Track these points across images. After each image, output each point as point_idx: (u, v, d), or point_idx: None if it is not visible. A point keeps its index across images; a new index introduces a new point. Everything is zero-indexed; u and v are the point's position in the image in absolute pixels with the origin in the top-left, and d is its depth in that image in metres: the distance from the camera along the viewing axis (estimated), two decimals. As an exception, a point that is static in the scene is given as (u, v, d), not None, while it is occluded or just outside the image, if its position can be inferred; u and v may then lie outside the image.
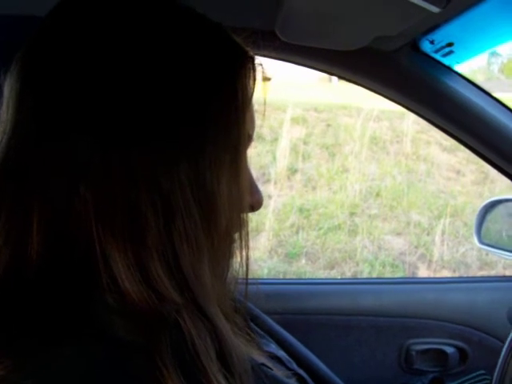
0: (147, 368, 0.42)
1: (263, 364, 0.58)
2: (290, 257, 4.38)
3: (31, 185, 0.47)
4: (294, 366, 0.73)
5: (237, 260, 0.56)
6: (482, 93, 1.18)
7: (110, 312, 0.45)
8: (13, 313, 0.44)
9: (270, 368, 0.59)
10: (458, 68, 1.18)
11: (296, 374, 0.70)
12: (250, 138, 0.57)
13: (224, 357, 0.48)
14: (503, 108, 1.19)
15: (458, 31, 1.01)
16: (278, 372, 0.61)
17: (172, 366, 0.43)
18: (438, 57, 1.13)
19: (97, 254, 0.45)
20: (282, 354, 0.73)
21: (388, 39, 1.02)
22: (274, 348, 0.73)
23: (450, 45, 1.07)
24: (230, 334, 0.51)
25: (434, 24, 0.99)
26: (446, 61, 1.14)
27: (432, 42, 1.07)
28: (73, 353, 0.42)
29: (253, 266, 0.56)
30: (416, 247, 4.58)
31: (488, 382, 1.28)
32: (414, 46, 1.11)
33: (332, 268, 4.33)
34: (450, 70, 1.16)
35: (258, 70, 0.55)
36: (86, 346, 0.43)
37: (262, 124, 0.60)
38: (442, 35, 1.04)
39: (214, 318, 0.49)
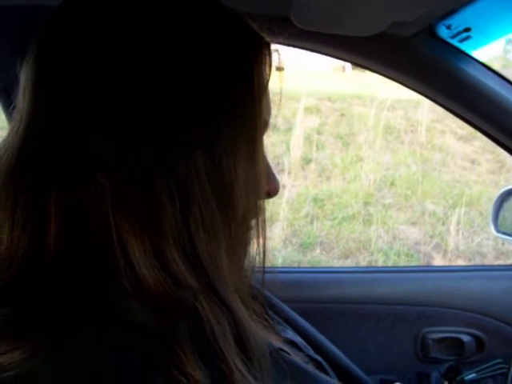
0: (165, 353, 0.42)
1: (281, 349, 0.58)
2: (305, 247, 4.38)
3: (48, 173, 0.47)
4: (311, 352, 0.73)
5: (253, 248, 0.55)
6: (499, 79, 1.16)
7: (127, 297, 0.45)
8: (31, 299, 0.45)
9: (288, 353, 0.59)
10: (475, 54, 1.16)
11: (313, 360, 0.70)
12: (266, 124, 0.56)
13: (242, 342, 0.48)
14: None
15: (475, 16, 0.99)
16: (296, 357, 0.61)
17: (190, 352, 0.43)
18: (454, 42, 1.12)
19: (114, 241, 0.45)
20: (299, 340, 0.73)
21: (404, 25, 1.01)
22: (291, 334, 0.73)
23: (467, 30, 1.05)
24: (247, 319, 0.50)
25: (450, 9, 0.98)
26: (463, 46, 1.13)
27: (449, 27, 1.06)
28: (91, 338, 0.42)
29: (268, 256, 0.56)
30: (431, 237, 4.56)
31: (505, 370, 1.28)
32: (431, 32, 1.10)
33: (347, 258, 4.32)
34: (467, 55, 1.14)
35: (274, 56, 0.55)
36: (104, 330, 0.43)
37: (277, 114, 0.59)
38: (459, 20, 1.02)
39: (232, 304, 0.49)
